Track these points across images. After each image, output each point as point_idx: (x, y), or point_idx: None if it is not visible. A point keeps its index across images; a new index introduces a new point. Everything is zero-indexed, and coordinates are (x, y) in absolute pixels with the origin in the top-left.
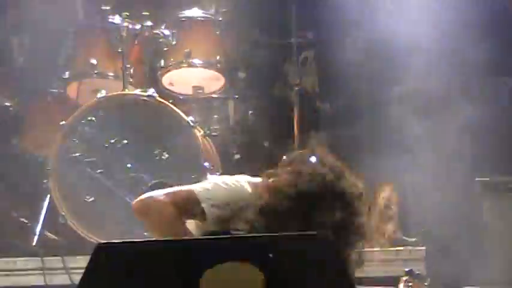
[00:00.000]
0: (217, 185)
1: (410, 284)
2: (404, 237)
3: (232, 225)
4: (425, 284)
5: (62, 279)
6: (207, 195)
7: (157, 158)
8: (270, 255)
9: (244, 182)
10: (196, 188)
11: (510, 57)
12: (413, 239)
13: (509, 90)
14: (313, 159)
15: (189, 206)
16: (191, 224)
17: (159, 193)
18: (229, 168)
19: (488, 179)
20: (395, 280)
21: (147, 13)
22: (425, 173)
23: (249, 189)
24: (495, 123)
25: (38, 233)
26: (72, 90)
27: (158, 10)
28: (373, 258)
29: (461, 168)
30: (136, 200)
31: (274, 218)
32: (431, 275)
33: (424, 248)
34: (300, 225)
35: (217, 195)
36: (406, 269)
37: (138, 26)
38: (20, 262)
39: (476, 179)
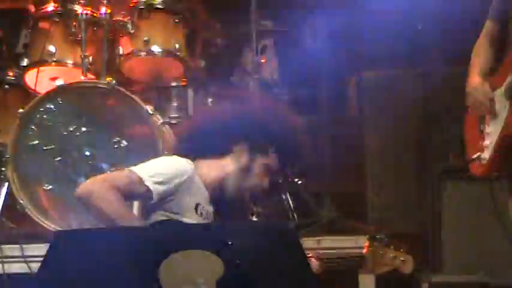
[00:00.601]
0: (159, 163)
1: (371, 248)
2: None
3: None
4: (388, 248)
5: (20, 267)
6: (150, 173)
7: (116, 146)
8: (230, 242)
9: (182, 159)
10: (137, 168)
11: None
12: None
13: None
14: None
15: (132, 186)
16: (135, 208)
17: (99, 178)
18: None
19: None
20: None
21: (106, 0)
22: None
23: (189, 165)
24: None
25: None
26: (30, 77)
27: None
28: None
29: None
30: (78, 187)
31: None
32: None
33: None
34: None
35: (160, 171)
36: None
37: (97, 14)
38: None
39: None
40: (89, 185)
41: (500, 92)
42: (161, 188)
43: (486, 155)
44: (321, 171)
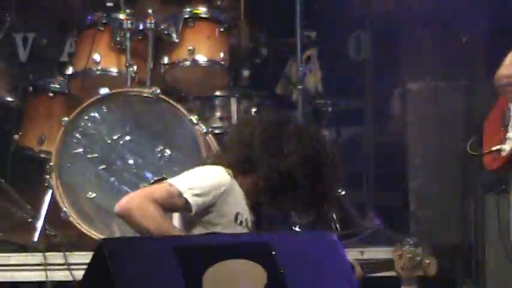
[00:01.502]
0: (198, 174)
1: (399, 252)
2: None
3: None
4: (416, 250)
5: (64, 275)
6: (188, 185)
7: (160, 155)
8: (273, 252)
9: (220, 169)
10: (175, 180)
11: None
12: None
13: None
14: None
15: (171, 199)
16: (175, 220)
17: (138, 193)
18: None
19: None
20: None
21: (151, 10)
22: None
23: (228, 175)
24: None
25: (39, 228)
26: (75, 86)
27: (162, 7)
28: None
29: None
30: (117, 204)
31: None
32: None
33: None
34: None
35: (199, 183)
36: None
37: (142, 23)
38: (22, 257)
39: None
40: (128, 201)
41: None
42: (200, 199)
43: (507, 146)
44: (364, 182)
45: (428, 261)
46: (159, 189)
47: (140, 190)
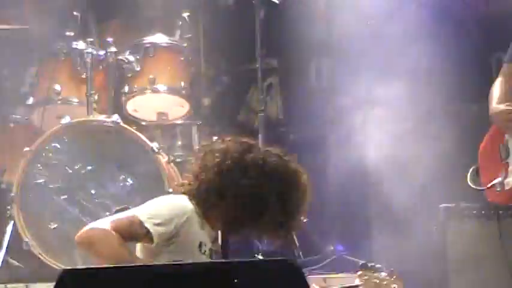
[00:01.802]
0: (158, 204)
1: (365, 277)
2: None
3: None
4: (381, 275)
5: None
6: (149, 215)
7: (122, 184)
8: (235, 280)
9: (183, 198)
10: (137, 210)
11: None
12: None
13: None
14: None
15: (132, 229)
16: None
17: (99, 223)
18: None
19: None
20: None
21: (111, 39)
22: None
23: (191, 204)
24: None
25: (1, 259)
26: (36, 116)
27: (122, 36)
28: None
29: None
30: (77, 234)
31: None
32: None
33: None
34: None
35: (159, 213)
36: (360, 263)
37: (102, 52)
38: None
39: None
40: (88, 232)
41: None
42: (161, 229)
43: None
44: (326, 209)
45: (394, 285)
46: (120, 219)
47: (101, 220)
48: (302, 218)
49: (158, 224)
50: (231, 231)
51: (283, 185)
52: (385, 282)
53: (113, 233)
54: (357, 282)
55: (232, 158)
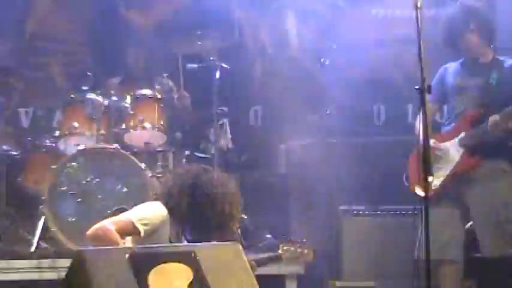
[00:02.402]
0: (144, 208)
1: (285, 247)
2: None
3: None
4: (296, 245)
5: (51, 275)
6: (140, 217)
7: (119, 191)
8: (198, 257)
9: (161, 206)
10: (130, 213)
11: None
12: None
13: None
14: None
15: (126, 227)
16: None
17: (104, 223)
18: None
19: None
20: None
21: (113, 91)
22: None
23: (165, 210)
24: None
25: (35, 243)
26: (61, 144)
27: (121, 89)
28: None
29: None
30: (89, 231)
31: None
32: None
33: None
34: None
35: (146, 216)
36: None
37: (107, 100)
38: (22, 263)
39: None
40: (97, 230)
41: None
42: (147, 228)
43: (437, 182)
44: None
45: (306, 250)
46: (118, 221)
47: (105, 221)
48: (242, 216)
49: (145, 224)
50: (186, 230)
51: (226, 196)
52: (299, 249)
53: (115, 233)
54: (279, 252)
55: (189, 179)
